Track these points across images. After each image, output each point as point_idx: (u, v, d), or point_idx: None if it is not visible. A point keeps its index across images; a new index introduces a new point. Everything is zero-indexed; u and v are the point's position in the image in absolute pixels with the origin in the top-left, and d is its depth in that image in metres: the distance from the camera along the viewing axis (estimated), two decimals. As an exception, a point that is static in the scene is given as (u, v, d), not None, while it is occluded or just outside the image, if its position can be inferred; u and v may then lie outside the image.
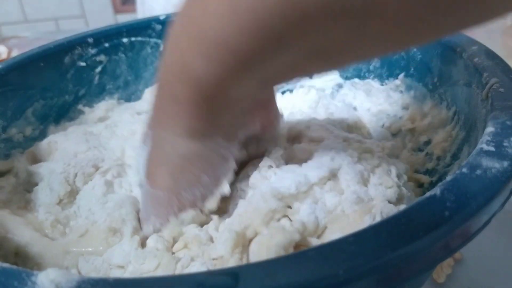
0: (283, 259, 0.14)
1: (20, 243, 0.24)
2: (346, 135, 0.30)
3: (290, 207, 0.24)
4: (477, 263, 0.31)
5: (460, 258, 0.32)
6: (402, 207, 0.23)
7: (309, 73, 0.23)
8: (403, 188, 0.25)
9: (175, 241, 0.24)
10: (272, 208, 0.23)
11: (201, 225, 0.24)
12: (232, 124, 0.24)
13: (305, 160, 0.26)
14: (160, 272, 0.21)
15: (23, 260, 0.23)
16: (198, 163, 0.24)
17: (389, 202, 0.23)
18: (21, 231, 0.24)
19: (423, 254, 0.15)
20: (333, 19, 0.16)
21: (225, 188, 0.25)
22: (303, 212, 0.23)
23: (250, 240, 0.22)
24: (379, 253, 0.14)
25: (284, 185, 0.23)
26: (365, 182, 0.24)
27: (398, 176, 0.25)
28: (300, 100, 0.39)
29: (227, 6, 0.17)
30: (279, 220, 0.23)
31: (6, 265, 0.15)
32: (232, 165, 0.25)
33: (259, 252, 0.21)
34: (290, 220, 0.23)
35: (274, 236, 0.20)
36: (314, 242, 0.22)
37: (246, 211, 0.23)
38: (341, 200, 0.23)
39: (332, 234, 0.22)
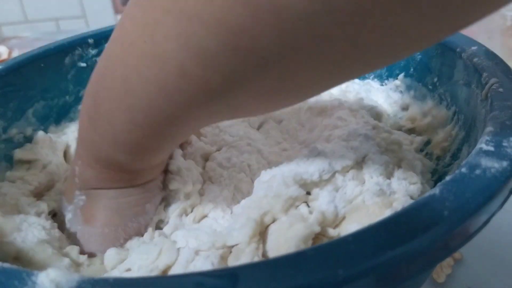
0: (282, 259, 0.14)
1: (23, 249, 0.24)
2: (376, 122, 0.29)
3: (309, 193, 0.23)
4: (477, 262, 0.31)
5: (460, 257, 0.32)
6: None
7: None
8: (427, 186, 0.24)
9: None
10: (294, 195, 0.22)
11: None
12: (159, 169, 0.26)
13: (327, 138, 0.26)
14: (163, 260, 0.21)
15: (24, 266, 0.23)
16: (139, 199, 0.25)
17: (411, 198, 0.23)
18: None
19: (422, 254, 0.15)
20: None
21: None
22: (322, 200, 0.22)
23: (267, 227, 0.21)
24: (379, 252, 0.14)
25: (308, 171, 0.23)
26: (388, 174, 0.24)
27: (423, 173, 0.25)
28: None
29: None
30: (297, 206, 0.22)
31: (6, 264, 0.15)
32: (158, 191, 0.27)
33: (278, 243, 0.20)
34: (308, 206, 0.22)
35: (293, 225, 0.20)
36: (332, 232, 0.21)
37: (266, 195, 0.22)
38: (362, 190, 0.23)
39: (350, 225, 0.22)
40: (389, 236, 0.15)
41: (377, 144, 0.25)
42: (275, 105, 0.20)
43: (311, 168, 0.23)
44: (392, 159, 0.25)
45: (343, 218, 0.22)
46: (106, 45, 0.21)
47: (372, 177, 0.23)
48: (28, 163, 0.31)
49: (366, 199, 0.22)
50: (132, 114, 0.19)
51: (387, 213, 0.21)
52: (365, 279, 0.14)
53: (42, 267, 0.23)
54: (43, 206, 0.27)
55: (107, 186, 0.24)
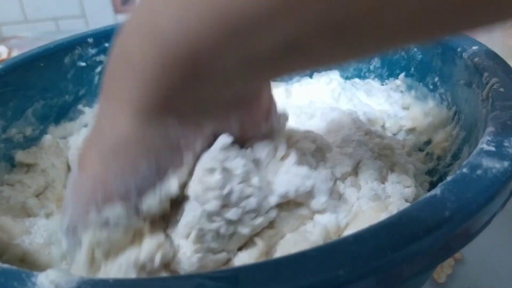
0: (283, 260, 0.14)
1: (29, 250, 0.23)
2: (369, 127, 0.29)
3: None
4: (477, 263, 0.31)
5: (460, 258, 0.32)
6: None
7: (298, 69, 0.21)
8: (420, 189, 0.24)
9: None
10: (303, 215, 0.22)
11: (134, 232, 0.19)
12: (196, 110, 0.19)
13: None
14: (160, 253, 0.19)
15: (29, 268, 0.23)
16: (138, 147, 0.19)
17: (406, 201, 0.23)
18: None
19: (423, 254, 0.15)
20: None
21: (172, 186, 0.19)
22: (325, 214, 0.22)
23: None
24: (380, 253, 0.14)
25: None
26: (383, 179, 0.24)
27: (416, 176, 0.25)
28: (321, 89, 0.39)
29: None
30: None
31: (6, 265, 0.15)
32: (188, 160, 0.20)
33: None
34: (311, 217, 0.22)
35: (298, 244, 0.20)
36: None
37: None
38: (358, 196, 0.23)
39: (350, 232, 0.21)
40: (390, 237, 0.15)
41: (370, 150, 0.25)
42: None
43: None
44: (386, 164, 0.25)
45: (346, 226, 0.22)
46: None
47: (367, 182, 0.23)
48: (28, 165, 0.31)
49: (362, 204, 0.22)
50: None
51: (383, 216, 0.21)
52: (366, 280, 0.14)
53: (46, 269, 0.22)
54: (52, 207, 0.26)
55: (118, 95, 0.18)
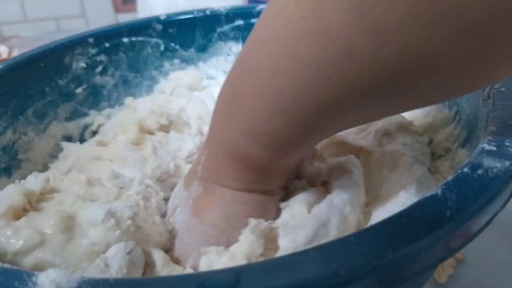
0: (283, 259, 0.14)
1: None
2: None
3: None
4: (478, 263, 0.31)
5: (461, 258, 0.32)
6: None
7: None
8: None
9: None
10: None
11: None
12: (282, 179, 0.24)
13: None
14: None
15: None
16: (252, 211, 0.23)
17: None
18: None
19: (424, 254, 0.15)
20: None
21: None
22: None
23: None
24: (380, 253, 0.14)
25: None
26: None
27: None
28: None
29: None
30: None
31: (6, 265, 0.15)
32: (274, 209, 0.24)
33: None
34: None
35: None
36: None
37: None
38: None
39: None
40: (391, 237, 0.15)
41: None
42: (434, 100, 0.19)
43: None
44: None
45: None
46: (254, 26, 0.19)
47: None
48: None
49: None
50: (277, 99, 0.18)
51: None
52: (367, 279, 0.14)
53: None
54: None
55: (227, 184, 0.23)
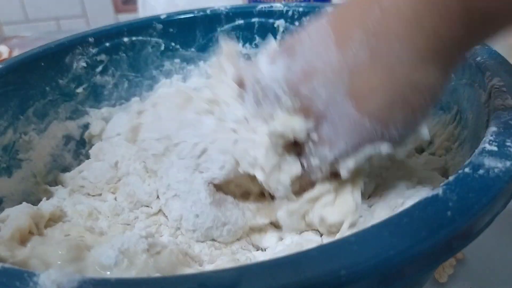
0: (284, 260, 0.14)
1: None
2: None
3: None
4: (479, 263, 0.31)
5: (462, 258, 0.31)
6: None
7: None
8: None
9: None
10: None
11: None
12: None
13: None
14: None
15: None
16: (427, 95, 0.19)
17: None
18: None
19: (425, 254, 0.15)
20: None
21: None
22: None
23: None
24: (381, 253, 0.14)
25: None
26: None
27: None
28: None
29: None
30: None
31: (7, 265, 0.15)
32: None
33: None
34: None
35: None
36: None
37: None
38: None
39: None
40: (392, 237, 0.15)
41: None
42: None
43: None
44: None
45: None
46: None
47: None
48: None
49: None
50: None
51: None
52: (368, 279, 0.14)
53: None
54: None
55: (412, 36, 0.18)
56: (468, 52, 0.19)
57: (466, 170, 0.17)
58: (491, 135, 0.19)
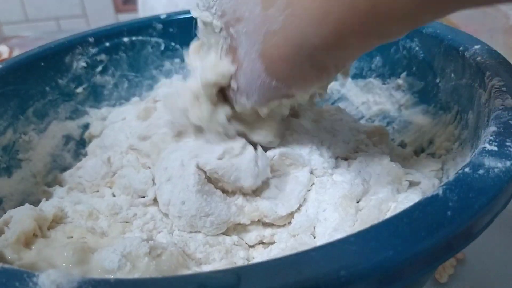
0: (284, 260, 0.14)
1: None
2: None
3: None
4: (479, 263, 0.31)
5: (462, 258, 0.31)
6: None
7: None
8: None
9: None
10: None
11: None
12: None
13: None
14: None
15: None
16: (333, 70, 0.21)
17: None
18: None
19: (425, 255, 0.15)
20: None
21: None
22: None
23: None
24: (381, 253, 0.14)
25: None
26: None
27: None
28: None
29: None
30: None
31: (7, 266, 0.15)
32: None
33: None
34: None
35: None
36: None
37: None
38: None
39: None
40: (392, 237, 0.15)
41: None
42: None
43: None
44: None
45: None
46: None
47: None
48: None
49: None
50: None
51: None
52: (367, 280, 0.14)
53: None
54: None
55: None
56: (389, 33, 0.20)
57: (466, 170, 0.17)
58: (491, 135, 0.19)
